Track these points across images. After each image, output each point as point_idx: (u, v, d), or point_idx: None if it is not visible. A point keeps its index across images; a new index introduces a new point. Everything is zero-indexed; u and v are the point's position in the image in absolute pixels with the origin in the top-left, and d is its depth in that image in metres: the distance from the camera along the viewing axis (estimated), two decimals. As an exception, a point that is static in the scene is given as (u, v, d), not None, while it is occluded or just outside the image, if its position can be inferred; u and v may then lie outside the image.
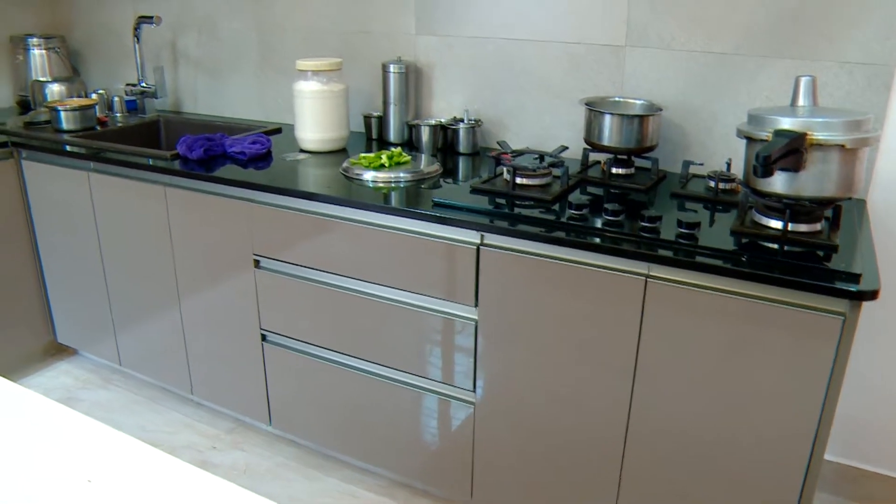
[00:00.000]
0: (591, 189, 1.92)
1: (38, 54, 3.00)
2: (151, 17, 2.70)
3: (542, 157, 1.90)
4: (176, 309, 2.33)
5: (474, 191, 1.84)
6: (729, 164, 1.94)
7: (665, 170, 2.08)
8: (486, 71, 2.30)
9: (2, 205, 2.55)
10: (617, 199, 1.83)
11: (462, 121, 2.30)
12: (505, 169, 1.86)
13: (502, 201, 1.77)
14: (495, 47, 2.26)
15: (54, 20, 3.24)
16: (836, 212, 1.61)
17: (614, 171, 1.99)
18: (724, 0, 1.91)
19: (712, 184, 1.86)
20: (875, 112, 1.81)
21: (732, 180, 1.87)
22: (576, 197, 1.79)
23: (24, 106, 3.04)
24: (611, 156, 2.01)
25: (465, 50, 2.31)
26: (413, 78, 2.40)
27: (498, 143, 2.08)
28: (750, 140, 1.57)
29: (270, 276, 2.05)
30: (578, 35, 2.12)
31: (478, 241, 1.70)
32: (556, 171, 1.86)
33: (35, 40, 2.98)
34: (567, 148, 2.04)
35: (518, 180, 1.83)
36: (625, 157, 1.99)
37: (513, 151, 1.98)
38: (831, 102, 1.85)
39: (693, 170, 2.04)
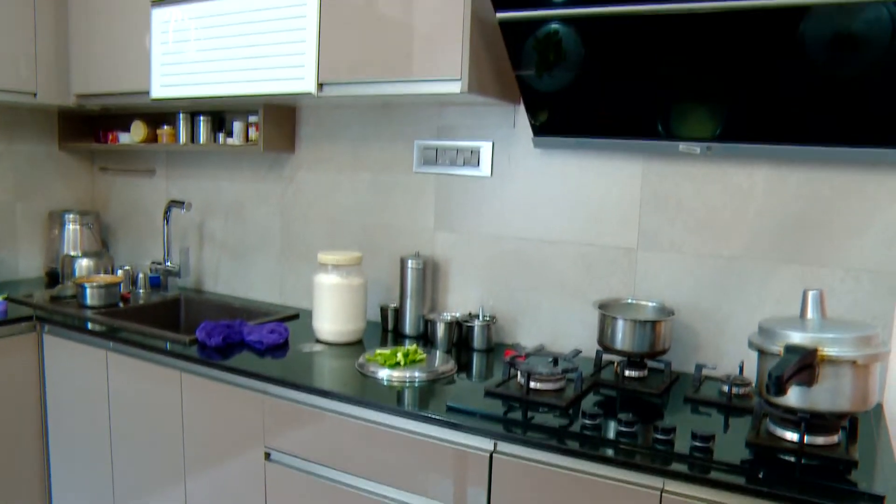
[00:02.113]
0: (604, 391, 1.92)
1: (71, 229, 3.14)
2: (182, 203, 2.84)
3: (556, 360, 1.92)
4: (181, 495, 2.27)
5: (488, 394, 1.84)
6: (742, 368, 1.95)
7: (678, 371, 2.09)
8: (501, 268, 2.38)
9: (19, 377, 2.58)
10: (630, 403, 1.83)
11: (477, 317, 2.34)
12: (519, 372, 1.88)
13: (516, 405, 1.77)
14: (511, 246, 2.35)
15: (93, 196, 3.43)
16: (853, 423, 1.60)
17: (627, 373, 2.00)
18: (731, 208, 2.00)
19: (726, 388, 1.86)
20: (882, 318, 1.84)
21: (746, 384, 1.88)
22: (589, 405, 1.79)
23: (53, 277, 3.15)
24: (624, 358, 2.03)
25: (482, 247, 2.40)
26: (430, 272, 2.47)
27: (511, 345, 2.11)
28: (762, 353, 1.59)
29: (280, 470, 2.02)
30: (592, 237, 2.20)
31: (491, 449, 1.68)
32: (571, 376, 1.87)
33: (71, 216, 3.13)
34: (580, 352, 2.07)
35: (532, 385, 1.84)
36: (637, 359, 2.01)
37: (527, 353, 2.00)
38: (839, 308, 1.88)
39: (706, 372, 2.05)
